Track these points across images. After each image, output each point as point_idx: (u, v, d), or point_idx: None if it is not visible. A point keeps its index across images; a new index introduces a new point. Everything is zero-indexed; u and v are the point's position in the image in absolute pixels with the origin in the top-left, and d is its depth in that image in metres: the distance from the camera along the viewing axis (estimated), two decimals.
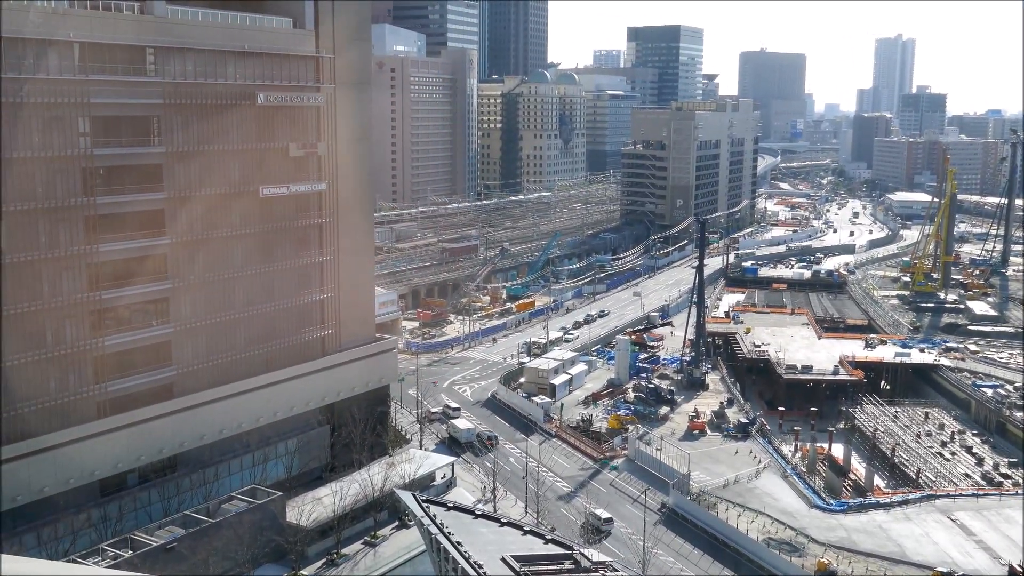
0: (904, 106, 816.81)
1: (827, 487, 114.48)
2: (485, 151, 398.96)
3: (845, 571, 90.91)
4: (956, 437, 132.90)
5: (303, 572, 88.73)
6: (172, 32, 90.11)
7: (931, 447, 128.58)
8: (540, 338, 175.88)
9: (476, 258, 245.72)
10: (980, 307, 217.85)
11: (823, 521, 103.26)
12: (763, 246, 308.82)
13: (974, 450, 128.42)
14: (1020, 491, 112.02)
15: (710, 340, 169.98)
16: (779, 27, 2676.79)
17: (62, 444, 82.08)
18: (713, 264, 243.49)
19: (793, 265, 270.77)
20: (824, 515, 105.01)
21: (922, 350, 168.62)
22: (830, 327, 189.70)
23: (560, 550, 61.36)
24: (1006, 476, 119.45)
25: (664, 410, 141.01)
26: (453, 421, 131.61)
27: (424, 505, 65.71)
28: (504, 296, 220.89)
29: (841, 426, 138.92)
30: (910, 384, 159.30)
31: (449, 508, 66.73)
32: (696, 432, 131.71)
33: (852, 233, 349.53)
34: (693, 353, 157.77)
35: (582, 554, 60.32)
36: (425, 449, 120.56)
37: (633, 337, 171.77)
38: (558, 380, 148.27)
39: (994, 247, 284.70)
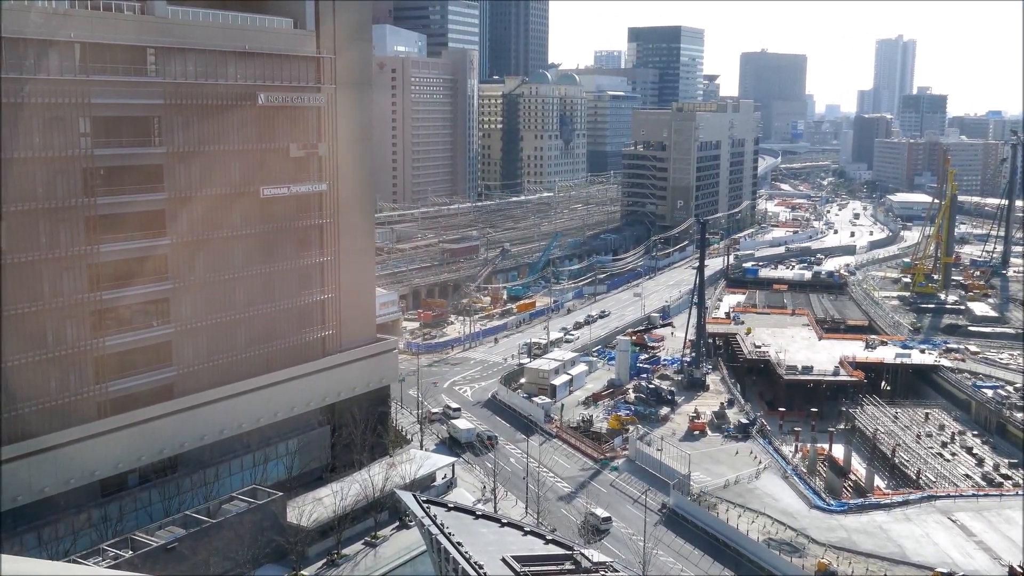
0: (905, 107, 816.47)
1: (827, 488, 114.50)
2: (486, 152, 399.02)
3: (845, 572, 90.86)
4: (956, 438, 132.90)
5: (303, 572, 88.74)
6: (173, 32, 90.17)
7: (931, 448, 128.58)
8: (541, 339, 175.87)
9: (477, 259, 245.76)
10: (980, 308, 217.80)
11: (823, 522, 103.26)
12: (763, 247, 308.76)
13: (974, 451, 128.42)
14: (1020, 492, 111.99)
15: (711, 341, 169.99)
16: (780, 28, 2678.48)
17: (63, 444, 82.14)
18: (714, 265, 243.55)
19: (794, 266, 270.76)
20: (824, 516, 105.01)
21: (922, 351, 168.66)
22: (831, 328, 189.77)
23: (560, 551, 61.38)
24: (1006, 477, 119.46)
25: (664, 411, 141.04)
26: (453, 421, 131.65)
27: (424, 505, 65.73)
28: (505, 297, 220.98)
29: (841, 427, 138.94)
30: (910, 385, 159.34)
31: (450, 509, 66.74)
32: (696, 433, 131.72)
33: (853, 234, 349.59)
34: (694, 354, 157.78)
35: (582, 554, 60.33)
36: (425, 449, 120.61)
37: (634, 338, 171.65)
38: (558, 381, 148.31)
39: (994, 248, 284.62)
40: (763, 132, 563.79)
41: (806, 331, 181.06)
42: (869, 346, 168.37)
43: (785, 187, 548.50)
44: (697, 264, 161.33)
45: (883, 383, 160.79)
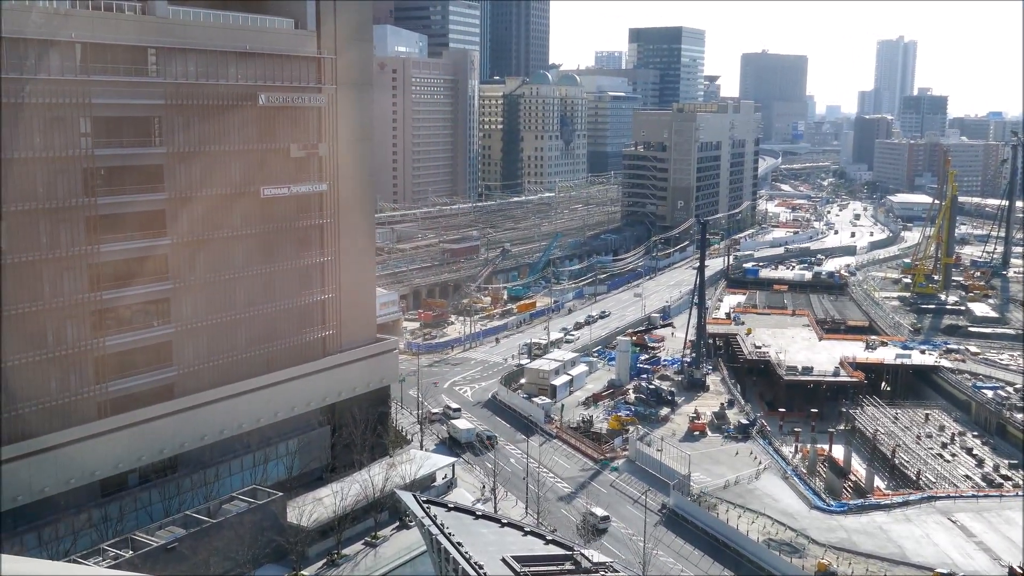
0: (905, 108, 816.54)
1: (827, 488, 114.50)
2: (486, 152, 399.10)
3: (845, 572, 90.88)
4: (956, 439, 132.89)
5: (304, 572, 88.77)
6: (174, 33, 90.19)
7: (931, 448, 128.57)
8: (541, 339, 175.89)
9: (477, 259, 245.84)
10: (981, 309, 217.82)
11: (823, 522, 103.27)
12: (764, 247, 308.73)
13: (974, 452, 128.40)
14: (1020, 493, 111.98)
15: (711, 341, 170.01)
16: (781, 29, 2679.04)
17: (63, 444, 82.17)
18: (714, 265, 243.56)
19: (794, 266, 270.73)
20: (824, 516, 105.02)
21: (923, 352, 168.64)
22: (831, 328, 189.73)
23: (561, 551, 61.41)
24: (1006, 477, 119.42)
25: (664, 411, 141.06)
26: (453, 421, 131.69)
27: (425, 506, 65.76)
28: (505, 297, 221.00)
29: (841, 427, 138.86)
30: (911, 385, 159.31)
31: (450, 509, 66.77)
32: (696, 433, 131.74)
33: (853, 235, 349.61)
34: (694, 354, 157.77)
35: (583, 555, 60.37)
36: (425, 450, 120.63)
37: (634, 338, 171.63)
38: (559, 381, 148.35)
39: (995, 249, 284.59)
40: (764, 133, 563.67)
41: (806, 332, 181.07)
42: (869, 347, 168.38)
43: (785, 188, 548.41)
44: (697, 264, 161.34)
45: (883, 384, 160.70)
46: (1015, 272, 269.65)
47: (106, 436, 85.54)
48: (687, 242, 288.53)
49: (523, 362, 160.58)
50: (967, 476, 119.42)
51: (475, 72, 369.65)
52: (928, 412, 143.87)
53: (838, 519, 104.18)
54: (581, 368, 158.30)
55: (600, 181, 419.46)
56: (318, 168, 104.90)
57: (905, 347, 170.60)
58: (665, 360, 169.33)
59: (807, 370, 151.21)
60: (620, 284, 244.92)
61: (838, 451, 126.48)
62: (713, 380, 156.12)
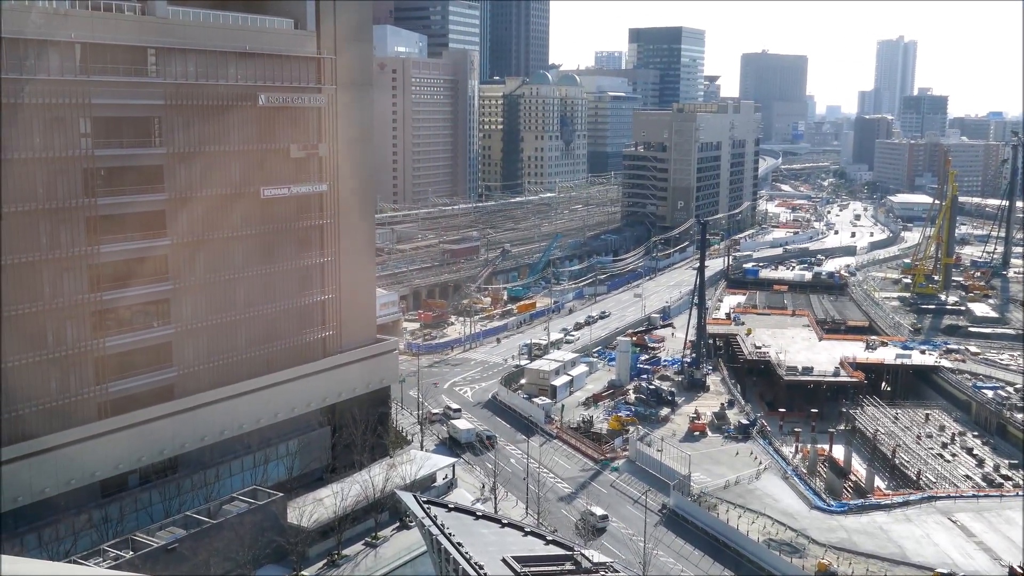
0: (905, 108, 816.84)
1: (828, 488, 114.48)
2: (486, 152, 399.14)
3: (845, 572, 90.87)
4: (957, 439, 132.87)
5: (304, 573, 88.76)
6: (173, 33, 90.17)
7: (932, 448, 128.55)
8: (541, 339, 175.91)
9: (477, 259, 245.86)
10: (981, 309, 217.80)
11: (823, 522, 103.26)
12: (763, 248, 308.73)
13: (975, 452, 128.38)
14: (1020, 493, 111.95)
15: (711, 341, 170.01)
16: (781, 29, 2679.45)
17: (63, 445, 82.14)
18: (714, 266, 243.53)
19: (794, 267, 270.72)
20: (825, 516, 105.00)
21: (923, 352, 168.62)
22: (831, 329, 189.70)
23: (561, 551, 61.42)
24: (1007, 477, 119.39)
25: (665, 411, 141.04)
26: (453, 421, 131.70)
27: (425, 506, 65.80)
28: (505, 297, 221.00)
29: (842, 427, 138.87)
30: (911, 386, 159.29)
31: (450, 509, 66.81)
32: (697, 433, 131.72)
33: (853, 235, 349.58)
34: (694, 354, 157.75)
35: (583, 555, 60.37)
36: (425, 450, 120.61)
37: (634, 338, 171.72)
38: (559, 381, 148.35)
39: (995, 249, 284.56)
40: (764, 133, 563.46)
41: (806, 332, 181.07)
42: (869, 347, 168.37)
43: (786, 188, 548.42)
44: (697, 265, 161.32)
45: (883, 384, 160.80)
46: (1015, 272, 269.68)
47: (106, 437, 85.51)
48: (687, 242, 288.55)
49: (522, 363, 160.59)
50: (967, 476, 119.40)
51: (475, 72, 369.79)
52: (928, 412, 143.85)
53: (838, 519, 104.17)
54: (581, 368, 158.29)
55: (600, 181, 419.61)
56: (318, 168, 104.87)
57: (905, 347, 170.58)
58: (665, 360, 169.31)
59: (807, 370, 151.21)
60: (620, 284, 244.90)
61: (838, 451, 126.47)
62: (713, 380, 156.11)
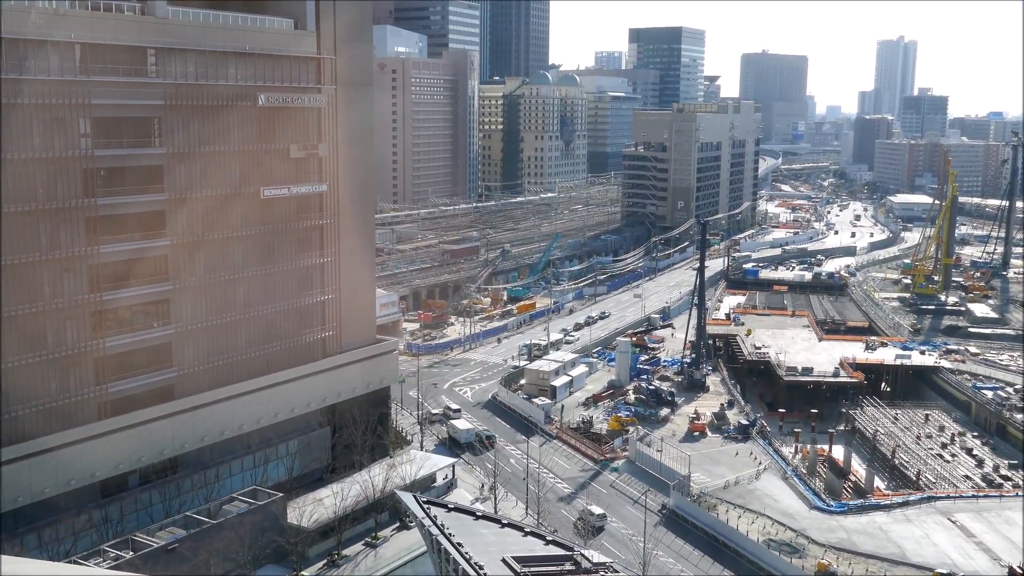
0: (905, 108, 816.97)
1: (827, 488, 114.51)
2: (486, 152, 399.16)
3: (845, 572, 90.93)
4: (956, 439, 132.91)
5: (304, 573, 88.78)
6: (173, 33, 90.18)
7: (931, 449, 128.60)
8: (541, 340, 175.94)
9: (477, 260, 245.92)
10: (981, 309, 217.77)
11: (823, 522, 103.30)
12: (763, 248, 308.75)
13: (974, 452, 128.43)
14: (1020, 493, 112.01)
15: (711, 342, 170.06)
16: (781, 29, 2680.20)
17: (63, 445, 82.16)
18: (714, 266, 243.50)
19: (794, 267, 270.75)
20: (824, 516, 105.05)
21: (922, 352, 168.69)
22: (831, 329, 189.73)
23: (561, 551, 61.44)
24: (1006, 478, 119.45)
25: (664, 412, 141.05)
26: (452, 421, 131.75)
27: (425, 506, 65.83)
28: (505, 298, 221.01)
29: (841, 428, 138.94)
30: (910, 386, 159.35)
31: (450, 509, 66.85)
32: (696, 434, 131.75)
33: (853, 235, 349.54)
34: (694, 355, 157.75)
35: (583, 555, 60.39)
36: (425, 450, 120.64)
37: (634, 339, 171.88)
38: (559, 382, 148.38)
39: (995, 249, 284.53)
40: (764, 133, 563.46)
41: (806, 332, 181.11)
42: (869, 347, 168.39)
43: (786, 188, 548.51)
44: (697, 265, 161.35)
45: (883, 384, 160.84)
46: (1015, 273, 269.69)
47: (106, 437, 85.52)
48: (687, 243, 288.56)
49: (521, 363, 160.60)
50: (967, 476, 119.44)
51: (475, 72, 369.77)
52: (928, 412, 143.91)
53: (838, 519, 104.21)
54: (581, 369, 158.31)
55: (600, 181, 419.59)
56: (318, 169, 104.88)
57: (905, 348, 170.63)
58: (665, 361, 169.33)
59: (807, 371, 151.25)
60: (620, 285, 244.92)
61: (838, 451, 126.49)
62: (713, 381, 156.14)
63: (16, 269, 78.91)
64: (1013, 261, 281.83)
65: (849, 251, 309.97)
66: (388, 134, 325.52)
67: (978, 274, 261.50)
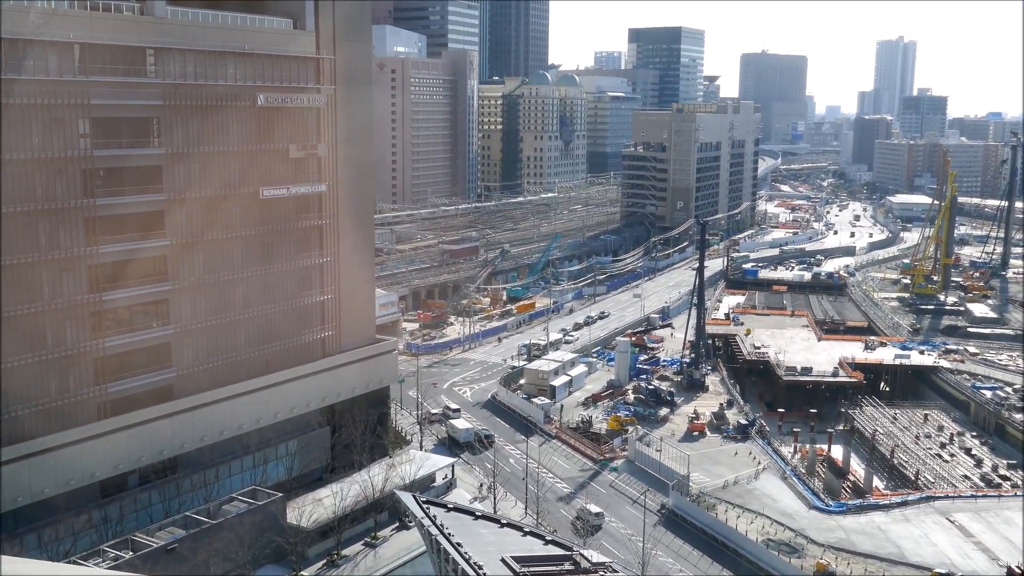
0: (905, 108, 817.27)
1: (826, 488, 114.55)
2: (485, 152, 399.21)
3: (844, 572, 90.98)
4: (955, 439, 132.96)
5: (303, 573, 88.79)
6: (172, 33, 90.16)
7: (930, 449, 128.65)
8: (540, 340, 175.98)
9: (476, 260, 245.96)
10: (980, 309, 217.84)
11: (822, 522, 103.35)
12: (763, 248, 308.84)
13: (973, 452, 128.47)
14: (1019, 493, 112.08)
15: (710, 342, 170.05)
16: (780, 29, 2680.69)
17: (62, 446, 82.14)
18: (713, 266, 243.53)
19: (793, 267, 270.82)
20: (823, 516, 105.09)
21: (922, 352, 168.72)
22: (830, 329, 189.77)
23: (560, 551, 61.47)
24: (1005, 478, 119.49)
25: (664, 411, 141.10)
26: (452, 421, 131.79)
27: (424, 506, 65.83)
28: (504, 298, 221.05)
29: (840, 428, 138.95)
30: (909, 386, 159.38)
31: (449, 509, 66.85)
32: (696, 433, 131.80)
33: (852, 235, 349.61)
34: (693, 355, 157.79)
35: (582, 555, 60.43)
36: (424, 450, 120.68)
37: (633, 339, 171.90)
38: (558, 381, 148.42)
39: (994, 249, 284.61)
40: (763, 133, 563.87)
41: (805, 332, 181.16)
42: (868, 347, 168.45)
43: (785, 188, 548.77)
44: (697, 265, 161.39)
45: (882, 384, 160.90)
46: (1014, 273, 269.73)
47: (106, 437, 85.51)
48: (686, 243, 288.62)
49: (521, 363, 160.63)
50: (966, 476, 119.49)
51: (474, 72, 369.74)
52: (927, 412, 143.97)
53: (837, 519, 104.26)
54: (580, 369, 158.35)
55: (600, 181, 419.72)
56: (317, 169, 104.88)
57: (904, 347, 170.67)
58: (664, 361, 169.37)
59: (806, 370, 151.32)
60: (619, 285, 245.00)
61: (837, 451, 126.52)
62: (712, 380, 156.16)
63: (15, 269, 78.90)
64: (1012, 261, 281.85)
65: (848, 251, 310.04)
66: (387, 134, 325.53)
67: (977, 274, 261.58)
